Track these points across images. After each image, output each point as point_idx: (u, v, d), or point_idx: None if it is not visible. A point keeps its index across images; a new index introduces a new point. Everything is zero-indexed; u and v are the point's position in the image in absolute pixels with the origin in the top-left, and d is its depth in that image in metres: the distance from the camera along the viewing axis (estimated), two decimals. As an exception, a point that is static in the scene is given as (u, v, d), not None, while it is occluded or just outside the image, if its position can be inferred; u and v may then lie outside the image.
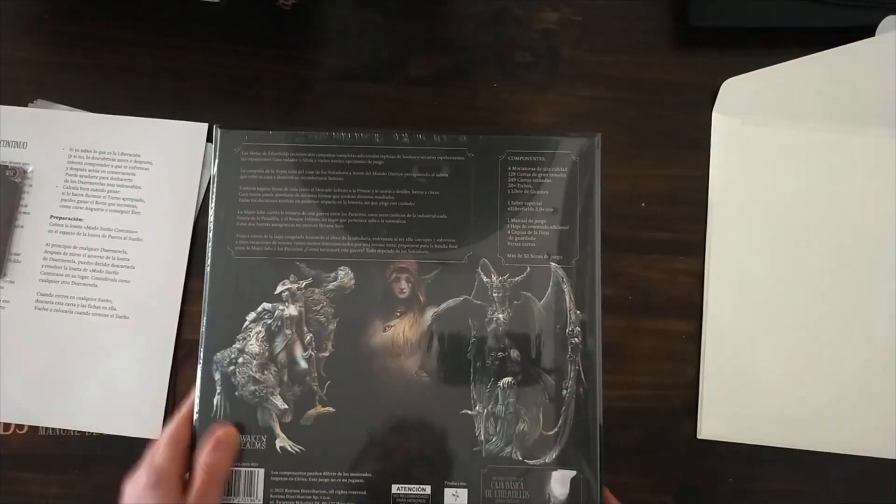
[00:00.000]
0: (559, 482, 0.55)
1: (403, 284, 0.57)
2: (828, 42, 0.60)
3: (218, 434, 0.51)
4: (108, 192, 0.60)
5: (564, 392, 0.56)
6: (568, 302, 0.57)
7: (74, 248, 0.59)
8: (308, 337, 0.58)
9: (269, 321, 0.57)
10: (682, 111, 0.62)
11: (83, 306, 0.58)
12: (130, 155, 0.61)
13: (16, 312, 0.58)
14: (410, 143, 0.59)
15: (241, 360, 0.57)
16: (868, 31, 0.60)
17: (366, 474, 0.55)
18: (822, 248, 0.59)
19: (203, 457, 0.50)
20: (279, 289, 0.57)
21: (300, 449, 0.55)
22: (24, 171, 0.60)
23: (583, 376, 0.56)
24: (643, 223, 0.60)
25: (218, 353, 0.56)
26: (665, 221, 0.60)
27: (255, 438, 0.54)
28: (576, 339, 0.56)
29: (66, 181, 0.60)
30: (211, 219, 0.58)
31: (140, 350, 0.58)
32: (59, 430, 0.58)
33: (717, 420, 0.57)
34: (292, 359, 0.57)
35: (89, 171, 0.60)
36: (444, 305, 0.57)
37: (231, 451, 0.52)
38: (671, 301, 0.59)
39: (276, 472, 0.55)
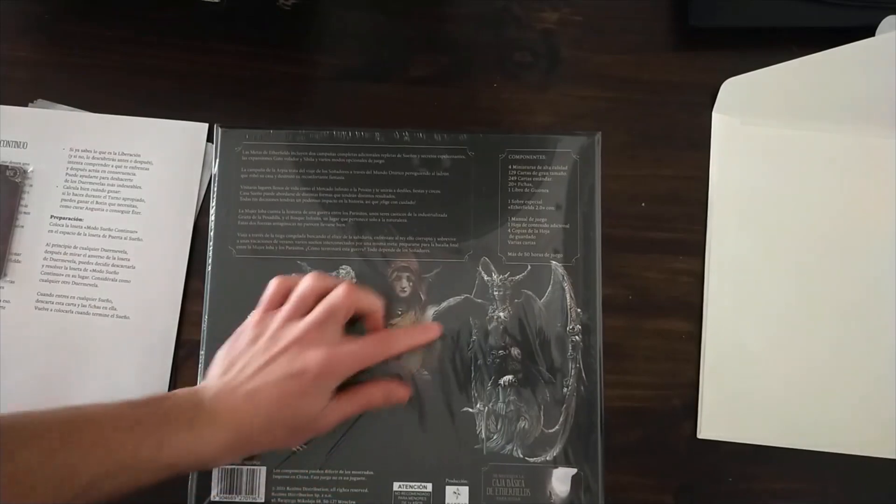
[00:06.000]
0: (560, 480, 0.55)
1: (405, 283, 0.57)
2: (828, 42, 0.60)
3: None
4: (108, 192, 0.60)
5: (565, 390, 0.56)
6: (569, 300, 0.57)
7: (75, 248, 0.59)
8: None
9: (270, 320, 0.57)
10: (682, 111, 0.62)
11: (83, 306, 0.58)
12: (130, 155, 0.61)
13: (16, 312, 0.58)
14: (411, 141, 0.59)
15: (241, 359, 0.57)
16: (868, 31, 0.60)
17: (367, 472, 0.55)
18: (822, 248, 0.59)
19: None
20: (280, 288, 0.57)
21: (302, 447, 0.55)
22: (25, 171, 0.60)
23: (583, 374, 0.56)
24: (643, 223, 0.60)
25: (219, 352, 0.56)
26: (665, 221, 0.60)
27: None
28: (576, 337, 0.56)
29: (66, 181, 0.60)
30: (212, 218, 0.58)
31: (140, 350, 0.58)
32: (59, 429, 0.57)
33: (717, 420, 0.57)
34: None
35: (89, 171, 0.60)
36: (445, 304, 0.57)
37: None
38: (671, 301, 0.59)
39: (278, 471, 0.55)
